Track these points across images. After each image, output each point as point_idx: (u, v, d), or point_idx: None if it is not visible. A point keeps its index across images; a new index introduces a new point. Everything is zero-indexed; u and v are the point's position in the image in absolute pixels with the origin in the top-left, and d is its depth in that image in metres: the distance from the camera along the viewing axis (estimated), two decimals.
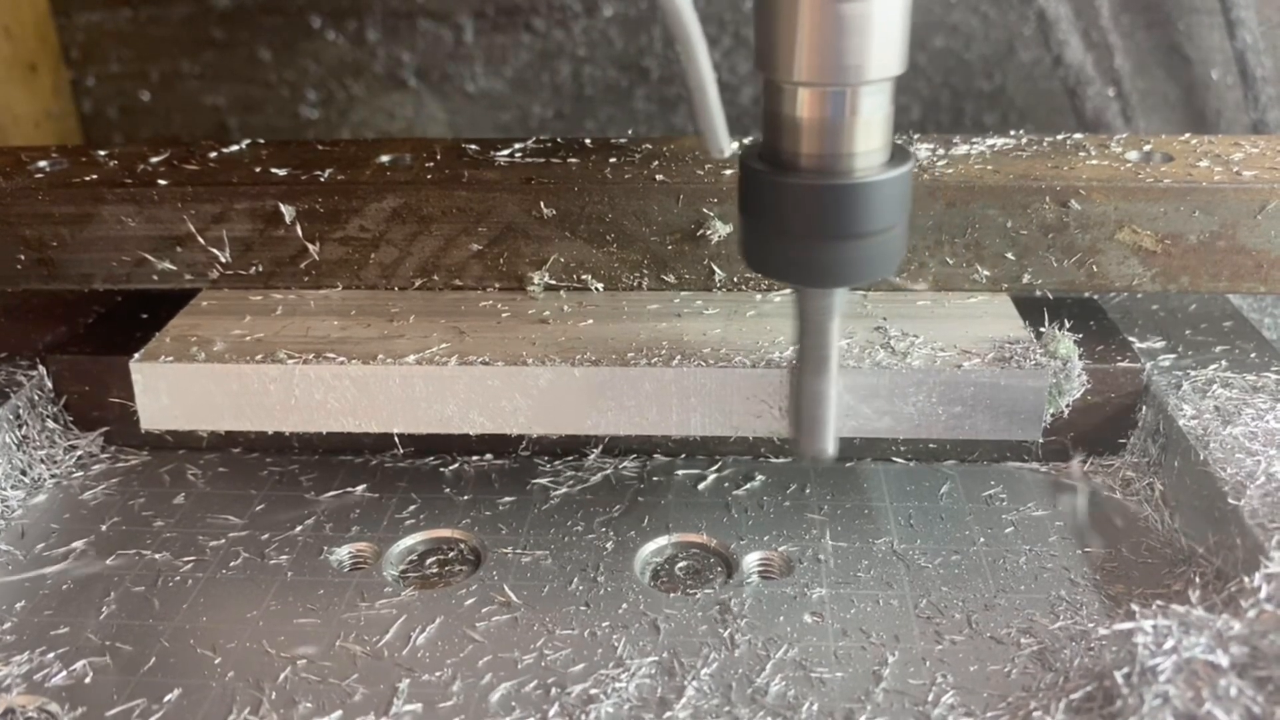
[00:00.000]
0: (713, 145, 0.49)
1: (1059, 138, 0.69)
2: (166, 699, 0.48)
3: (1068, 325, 0.61)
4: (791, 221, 0.47)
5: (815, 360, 0.51)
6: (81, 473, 0.65)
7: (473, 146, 0.70)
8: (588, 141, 0.70)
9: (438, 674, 0.49)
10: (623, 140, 0.70)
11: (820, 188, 0.46)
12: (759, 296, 0.65)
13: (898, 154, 0.48)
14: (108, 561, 0.57)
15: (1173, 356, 0.65)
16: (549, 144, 0.70)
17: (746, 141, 0.62)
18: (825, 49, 0.44)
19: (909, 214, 0.49)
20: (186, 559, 0.57)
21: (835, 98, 0.45)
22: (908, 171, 0.48)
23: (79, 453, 0.66)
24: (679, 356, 0.58)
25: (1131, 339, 0.66)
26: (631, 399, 0.58)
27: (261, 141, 0.72)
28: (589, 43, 1.00)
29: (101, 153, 0.71)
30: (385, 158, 0.68)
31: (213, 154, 0.70)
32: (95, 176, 0.66)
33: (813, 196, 0.47)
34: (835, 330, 0.50)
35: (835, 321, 0.50)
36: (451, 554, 0.58)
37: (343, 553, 0.58)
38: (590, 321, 0.63)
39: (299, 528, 0.60)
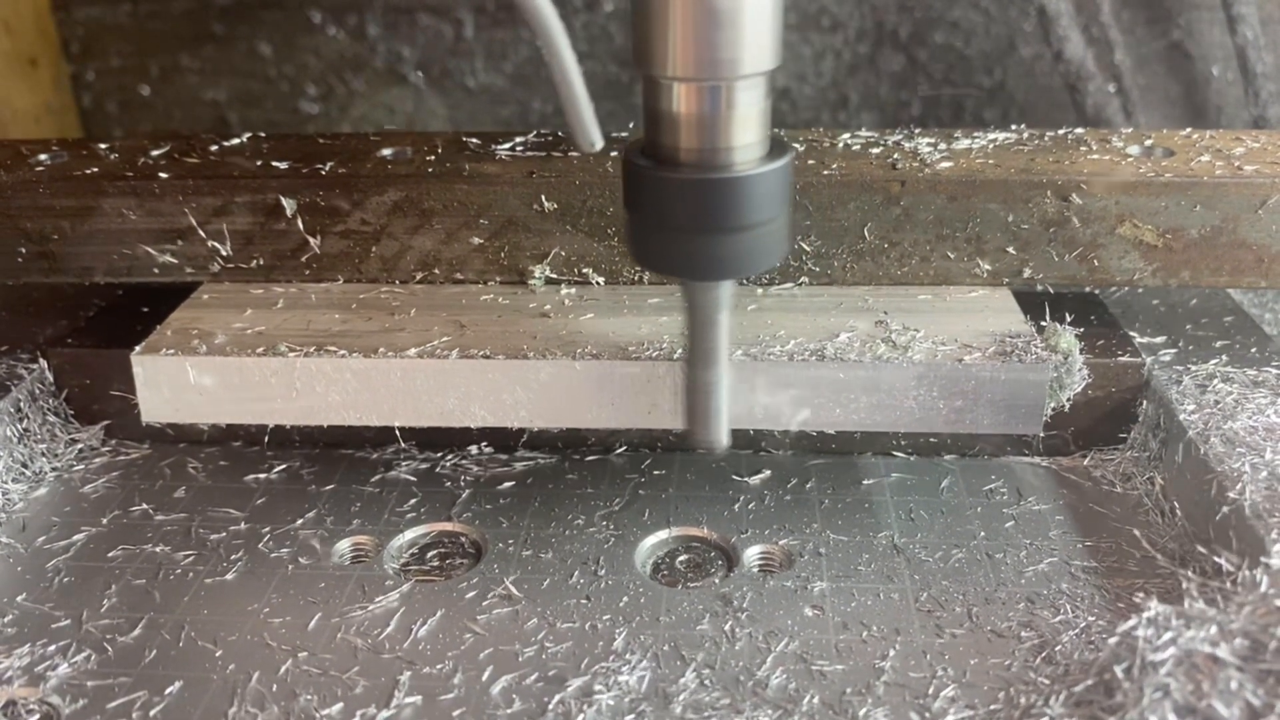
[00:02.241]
0: (582, 139, 0.49)
1: (1060, 132, 0.69)
2: (168, 691, 0.48)
3: (1068, 320, 0.61)
4: (673, 216, 0.48)
5: (704, 352, 0.52)
6: (82, 466, 0.65)
7: (474, 140, 0.70)
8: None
9: (439, 666, 0.49)
10: (624, 134, 0.70)
11: (699, 182, 0.47)
12: (760, 290, 0.65)
13: (777, 147, 0.49)
14: (109, 555, 0.57)
15: (1174, 351, 0.65)
16: (550, 137, 0.70)
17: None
18: (699, 44, 0.45)
19: (790, 206, 0.50)
20: (187, 552, 0.57)
21: (711, 92, 0.46)
22: (787, 164, 0.48)
23: (80, 446, 0.66)
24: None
25: (1132, 334, 0.66)
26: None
27: (262, 135, 0.72)
28: (589, 38, 0.99)
29: (102, 146, 0.70)
30: (386, 151, 0.68)
31: (213, 147, 0.70)
32: (96, 169, 0.66)
33: (692, 190, 0.47)
34: (724, 323, 0.51)
35: (724, 314, 0.51)
36: (452, 547, 0.58)
37: (344, 546, 0.58)
38: (591, 315, 0.63)
39: (300, 521, 0.60)
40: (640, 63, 0.47)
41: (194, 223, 0.65)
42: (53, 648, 0.51)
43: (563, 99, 0.48)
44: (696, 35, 0.45)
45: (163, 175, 0.65)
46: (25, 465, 0.63)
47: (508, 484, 0.62)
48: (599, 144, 0.50)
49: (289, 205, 0.64)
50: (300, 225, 0.65)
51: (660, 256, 0.50)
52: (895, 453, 0.64)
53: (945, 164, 0.63)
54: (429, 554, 0.58)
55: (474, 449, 0.65)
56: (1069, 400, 0.60)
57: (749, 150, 0.47)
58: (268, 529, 0.59)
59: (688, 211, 0.47)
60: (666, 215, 0.48)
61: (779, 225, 0.49)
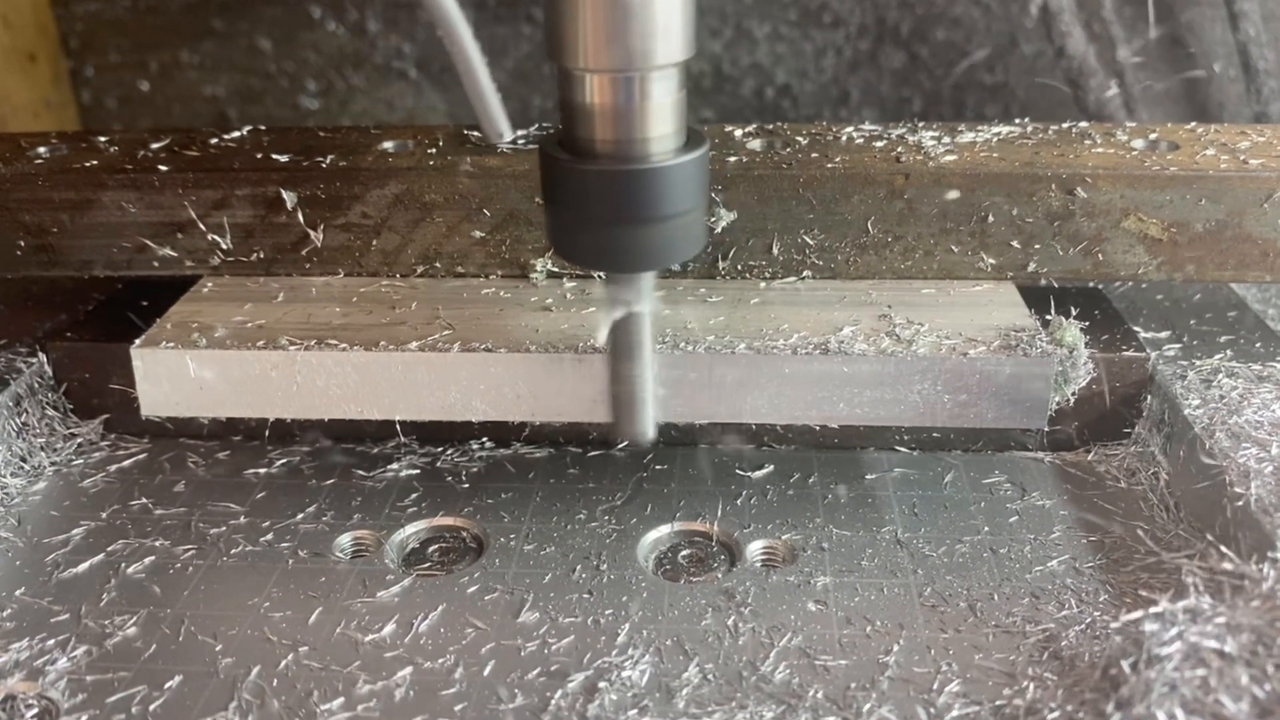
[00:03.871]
0: (490, 130, 0.49)
1: (1065, 126, 0.69)
2: (167, 686, 0.48)
3: (1073, 314, 0.61)
4: (591, 208, 0.48)
5: (627, 345, 0.51)
6: (81, 460, 0.64)
7: (475, 134, 0.69)
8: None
9: (440, 661, 0.49)
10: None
11: (615, 173, 0.47)
12: (763, 284, 0.65)
13: (693, 138, 0.49)
14: (108, 549, 0.57)
15: (1178, 346, 0.65)
16: (552, 131, 0.70)
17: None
18: (610, 35, 0.45)
19: (707, 197, 0.50)
20: (187, 546, 0.57)
21: (625, 83, 0.46)
22: (703, 155, 0.48)
23: (79, 440, 0.65)
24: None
25: (1136, 328, 0.66)
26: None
27: (263, 128, 0.72)
28: None
29: (102, 139, 0.70)
30: (388, 144, 0.68)
31: (214, 140, 0.69)
32: (96, 162, 0.66)
33: (608, 182, 0.47)
34: (646, 315, 0.51)
35: (645, 306, 0.51)
36: (454, 541, 0.58)
37: (345, 540, 0.57)
38: (593, 309, 0.62)
39: (300, 515, 0.59)
40: (553, 54, 0.47)
41: (194, 216, 0.65)
42: (52, 642, 0.50)
43: (469, 91, 0.48)
44: (607, 26, 0.45)
45: (162, 168, 0.64)
46: (24, 459, 0.63)
47: (509, 478, 0.62)
48: (508, 135, 0.50)
49: (290, 198, 0.64)
50: (301, 218, 0.65)
51: (580, 249, 0.50)
52: (899, 447, 0.64)
53: (949, 157, 0.63)
54: (430, 548, 0.58)
55: (475, 443, 0.65)
56: (1074, 394, 0.59)
57: (665, 141, 0.47)
58: (268, 523, 0.59)
59: (604, 203, 0.48)
60: (584, 207, 0.48)
61: (697, 216, 0.50)
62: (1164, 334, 0.66)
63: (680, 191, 0.48)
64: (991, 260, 0.64)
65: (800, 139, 0.67)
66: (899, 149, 0.65)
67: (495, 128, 0.49)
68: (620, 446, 0.64)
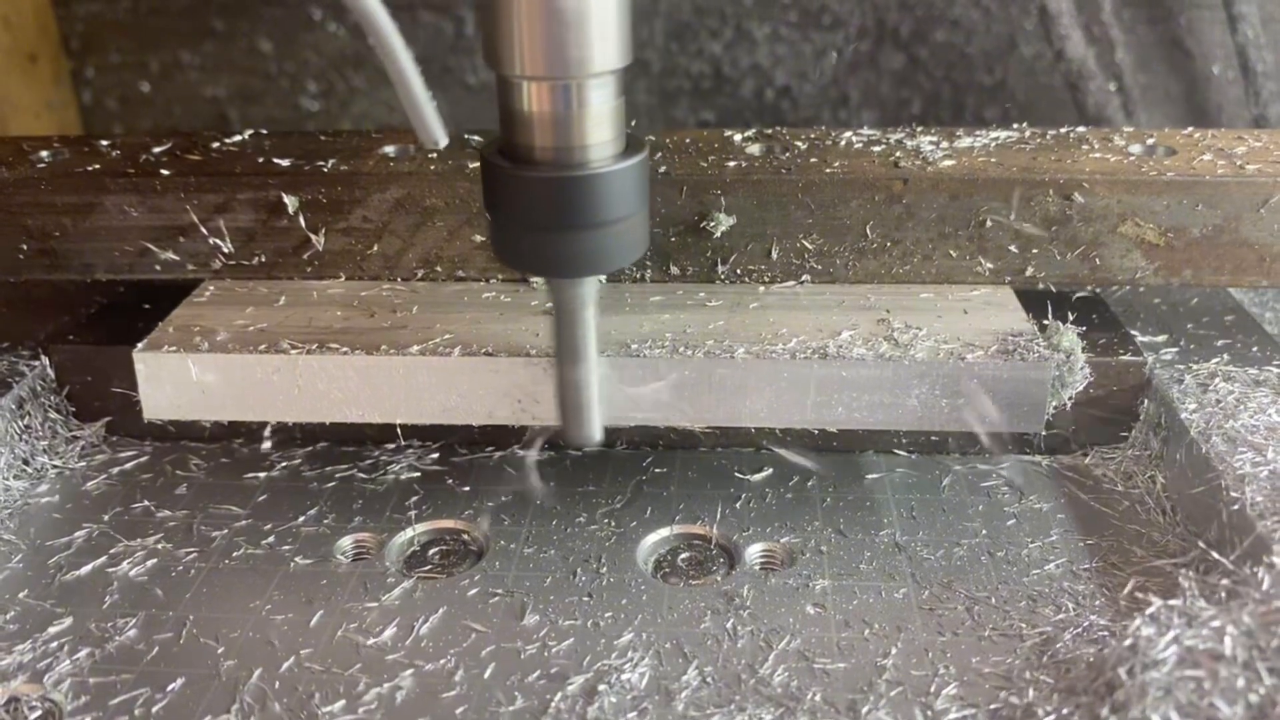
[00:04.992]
0: (425, 136, 0.49)
1: (1062, 131, 0.69)
2: (170, 688, 0.48)
3: (1070, 319, 0.61)
4: (532, 214, 0.48)
5: (572, 349, 0.52)
6: (84, 463, 0.65)
7: (475, 138, 0.70)
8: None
9: (441, 663, 0.49)
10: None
11: (554, 180, 0.47)
12: (762, 289, 0.65)
13: (632, 144, 0.49)
14: (110, 551, 0.57)
15: (1175, 350, 0.65)
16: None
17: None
18: (546, 43, 0.45)
19: (648, 202, 0.50)
20: (189, 549, 0.57)
21: (562, 91, 0.46)
22: (641, 161, 0.49)
23: (81, 443, 0.66)
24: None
25: (1134, 333, 0.66)
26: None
27: (264, 132, 0.72)
28: None
29: (104, 142, 0.70)
30: (389, 148, 0.68)
31: (215, 144, 0.70)
32: (98, 166, 0.66)
33: (548, 189, 0.47)
34: (590, 319, 0.51)
35: (589, 310, 0.51)
36: (454, 544, 0.58)
37: (346, 543, 0.58)
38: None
39: (302, 518, 0.60)
40: (491, 62, 0.47)
41: (196, 220, 0.65)
42: (55, 644, 0.51)
43: (402, 99, 0.48)
44: (544, 34, 0.45)
45: (164, 172, 0.65)
46: (26, 462, 0.63)
47: (509, 481, 0.62)
48: (443, 141, 0.50)
49: (291, 202, 0.64)
50: (302, 222, 0.65)
51: (522, 255, 0.50)
52: (896, 451, 0.64)
53: (948, 162, 0.64)
54: (431, 551, 0.58)
55: (476, 446, 0.65)
56: (1071, 399, 0.60)
57: (603, 148, 0.48)
58: (269, 526, 0.59)
59: (545, 209, 0.48)
60: (525, 214, 0.48)
61: (638, 221, 0.50)
62: (1161, 338, 0.66)
63: (620, 197, 0.48)
64: (989, 265, 0.64)
65: (799, 143, 0.68)
66: (897, 154, 0.65)
67: (430, 135, 0.49)
68: (620, 449, 0.65)
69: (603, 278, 0.61)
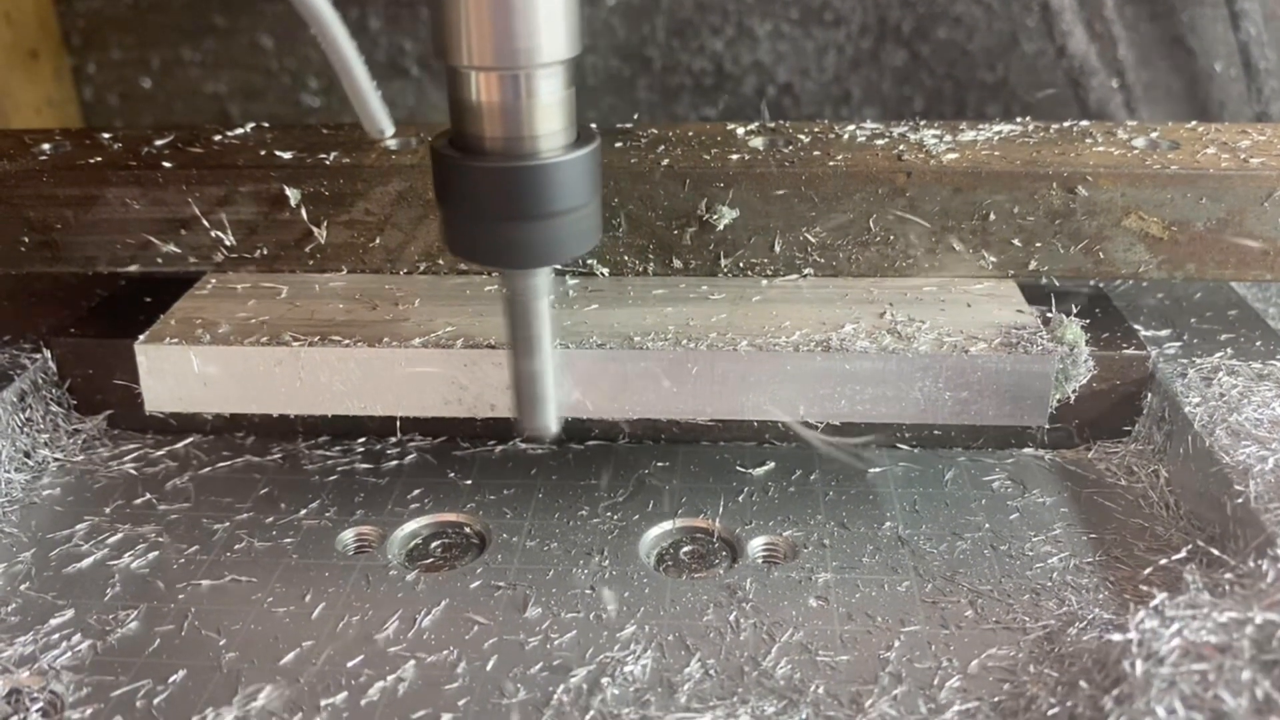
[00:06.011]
0: (370, 126, 0.49)
1: (1066, 125, 0.69)
2: (171, 680, 0.48)
3: (1074, 312, 0.61)
4: (482, 205, 0.48)
5: (526, 341, 0.52)
6: (85, 456, 0.64)
7: None
8: (593, 126, 0.70)
9: (443, 655, 0.49)
10: (628, 125, 0.70)
11: (505, 170, 0.47)
12: (764, 282, 0.65)
13: (583, 135, 0.49)
14: (111, 544, 0.57)
15: (1178, 344, 0.65)
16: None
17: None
18: (494, 33, 0.45)
19: (599, 192, 0.50)
20: (191, 542, 0.57)
21: (511, 81, 0.46)
22: (592, 152, 0.49)
23: (83, 436, 0.65)
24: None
25: (1137, 326, 0.66)
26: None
27: (266, 125, 0.72)
28: (591, 32, 0.99)
29: (106, 135, 0.70)
30: (391, 142, 0.68)
31: (217, 137, 0.70)
32: (99, 159, 0.66)
33: (498, 179, 0.47)
34: (544, 310, 0.51)
35: (543, 301, 0.51)
36: (456, 537, 0.58)
37: (348, 536, 0.58)
38: (596, 306, 0.63)
39: (303, 511, 0.59)
40: (439, 53, 0.47)
41: (197, 212, 0.65)
42: (56, 636, 0.51)
43: (346, 89, 0.48)
44: (492, 24, 0.45)
45: (166, 165, 0.64)
46: (28, 455, 0.63)
47: (512, 474, 0.62)
48: (389, 130, 0.50)
49: (293, 195, 0.64)
50: (304, 215, 0.65)
51: (474, 246, 0.50)
52: (900, 444, 0.64)
53: (951, 155, 0.63)
54: (433, 544, 0.58)
55: (478, 439, 0.65)
56: (1074, 392, 0.60)
57: (553, 138, 0.48)
58: (271, 519, 0.59)
59: (495, 200, 0.48)
60: (475, 205, 0.48)
61: (590, 212, 0.50)
62: (1164, 332, 0.66)
63: (571, 188, 0.48)
64: (993, 258, 0.64)
65: (802, 137, 0.68)
66: (900, 147, 0.65)
67: (375, 124, 0.49)
68: (622, 442, 0.65)
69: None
